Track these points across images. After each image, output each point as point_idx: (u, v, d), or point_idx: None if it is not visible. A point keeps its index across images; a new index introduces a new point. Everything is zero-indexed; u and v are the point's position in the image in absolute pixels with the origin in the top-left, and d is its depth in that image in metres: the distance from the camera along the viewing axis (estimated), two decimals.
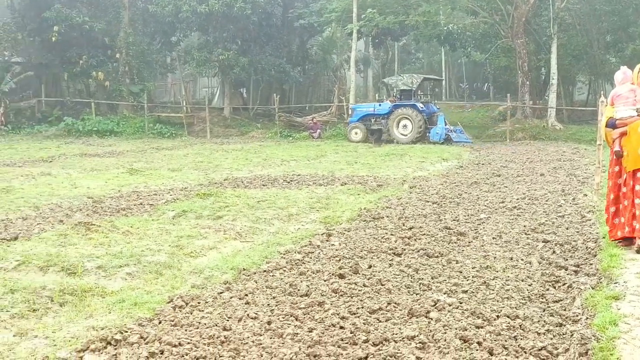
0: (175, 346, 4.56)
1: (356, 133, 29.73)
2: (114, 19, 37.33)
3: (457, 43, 38.19)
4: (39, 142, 28.36)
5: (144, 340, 4.69)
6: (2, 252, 7.43)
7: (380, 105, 30.40)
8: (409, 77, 30.83)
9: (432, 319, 5.18)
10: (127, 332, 4.83)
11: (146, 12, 37.08)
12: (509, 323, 5.12)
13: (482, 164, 18.86)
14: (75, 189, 13.09)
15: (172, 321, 5.10)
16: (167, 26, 37.71)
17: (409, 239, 8.28)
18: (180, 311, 5.37)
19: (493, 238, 8.44)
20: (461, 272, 6.66)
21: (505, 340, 4.79)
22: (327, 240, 8.27)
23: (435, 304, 5.53)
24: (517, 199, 11.62)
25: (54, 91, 38.60)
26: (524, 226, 9.17)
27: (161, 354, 4.46)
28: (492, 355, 4.55)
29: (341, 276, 6.49)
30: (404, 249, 7.69)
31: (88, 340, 4.69)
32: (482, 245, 8.00)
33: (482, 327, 5.03)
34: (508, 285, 6.20)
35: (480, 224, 9.38)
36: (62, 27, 34.53)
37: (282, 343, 4.64)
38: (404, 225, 9.20)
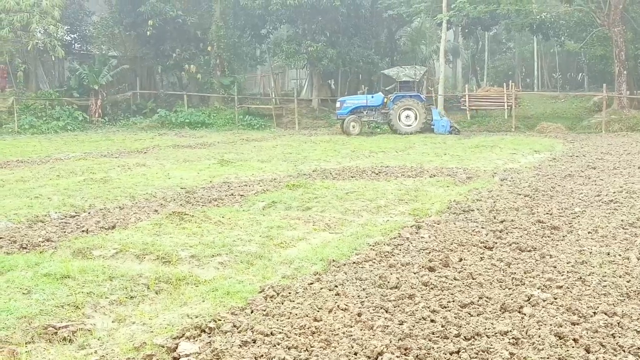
0: (267, 335, 4.62)
1: (354, 127, 28.96)
2: (206, 13, 38.13)
3: (550, 32, 37.11)
4: (134, 134, 29.33)
5: (237, 329, 4.78)
6: (101, 240, 7.72)
7: (372, 97, 29.94)
8: (411, 69, 30.59)
9: (525, 315, 5.06)
10: (220, 320, 4.93)
11: (237, 5, 37.67)
12: (606, 320, 4.94)
13: (576, 156, 18.28)
14: (168, 180, 13.47)
15: (264, 311, 5.17)
16: (257, 19, 38.23)
17: (500, 232, 8.12)
18: (272, 301, 5.44)
19: (588, 232, 8.16)
20: (555, 267, 6.48)
21: (603, 338, 4.63)
22: (416, 233, 8.20)
23: (529, 299, 5.40)
24: (614, 192, 11.19)
25: (148, 84, 39.82)
26: (622, 220, 8.83)
27: (254, 342, 4.52)
28: (588, 353, 4.40)
29: (431, 269, 6.43)
30: (496, 243, 7.54)
31: (183, 328, 4.81)
32: (577, 240, 7.75)
33: (578, 324, 4.87)
34: (605, 281, 5.98)
35: (574, 218, 9.09)
36: (156, 21, 35.54)
37: (373, 335, 4.63)
38: (495, 218, 9.02)
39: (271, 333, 4.65)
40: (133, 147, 22.40)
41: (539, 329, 4.74)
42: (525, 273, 6.26)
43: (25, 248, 7.58)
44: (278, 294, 5.60)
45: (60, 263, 6.66)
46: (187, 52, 37.39)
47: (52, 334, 4.84)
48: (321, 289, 5.76)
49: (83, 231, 8.47)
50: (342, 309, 5.18)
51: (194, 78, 37.97)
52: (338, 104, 30.29)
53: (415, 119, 28.71)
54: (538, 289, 5.72)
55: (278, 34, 41.62)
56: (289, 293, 5.63)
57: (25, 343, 4.70)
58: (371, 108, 29.46)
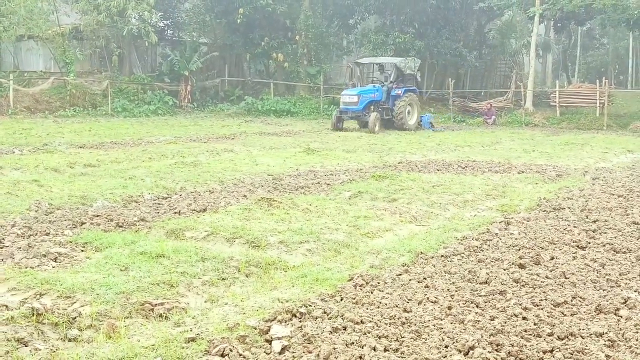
0: (357, 323, 4.65)
1: (377, 124, 25.37)
2: (295, 2, 38.37)
3: None
4: (221, 120, 29.87)
5: (327, 315, 4.83)
6: (192, 222, 7.93)
7: (377, 90, 26.33)
8: (412, 61, 27.97)
9: (621, 317, 4.92)
10: (310, 306, 4.98)
11: None
12: None
13: None
14: (256, 166, 13.68)
15: (354, 299, 5.20)
16: (345, 9, 38.27)
17: (593, 232, 7.90)
18: (361, 290, 5.47)
19: None
20: None
21: None
22: (505, 229, 8.07)
23: (626, 301, 5.23)
24: None
25: (236, 71, 40.43)
26: None
27: (344, 329, 4.56)
28: None
29: (522, 266, 6.32)
30: (589, 242, 7.34)
31: (275, 311, 4.89)
32: None
33: None
34: None
35: None
36: (246, 9, 35.98)
37: (464, 329, 4.60)
38: (587, 217, 8.78)
39: (361, 321, 4.68)
40: (221, 132, 22.81)
41: (637, 332, 4.61)
42: (620, 275, 6.08)
43: (122, 227, 7.85)
44: (367, 283, 5.63)
45: (155, 242, 6.89)
46: (275, 41, 37.75)
47: (148, 310, 5.01)
48: (410, 280, 5.75)
49: (175, 213, 8.70)
50: (431, 302, 5.16)
51: (281, 66, 38.35)
52: (354, 98, 25.61)
53: (415, 114, 26.90)
54: (635, 291, 5.55)
55: (366, 25, 41.52)
56: (378, 283, 5.65)
57: (124, 318, 4.88)
58: (377, 103, 26.26)
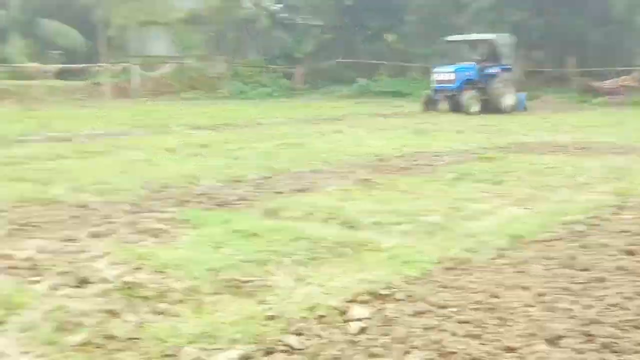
0: (440, 307, 4.52)
1: (474, 104, 23.93)
2: None
3: None
4: (333, 102, 30.02)
5: (410, 298, 4.72)
6: (290, 202, 7.98)
7: (472, 68, 25.05)
8: (508, 37, 25.95)
9: None
10: (394, 288, 4.89)
11: None
12: None
13: None
14: (360, 147, 13.63)
15: (440, 282, 5.06)
16: None
17: None
18: (449, 273, 5.31)
19: None
20: None
21: None
22: (617, 213, 7.62)
23: None
24: None
25: (348, 53, 40.45)
26: None
27: (425, 313, 4.45)
28: None
29: (630, 252, 5.92)
30: None
31: (357, 293, 4.82)
32: None
33: None
34: None
35: None
36: None
37: (554, 318, 4.37)
38: None
39: (444, 306, 4.54)
40: (331, 114, 22.92)
41: None
42: None
43: (221, 205, 8.01)
44: (456, 267, 5.47)
45: (251, 221, 6.97)
46: (387, 22, 37.46)
47: (236, 288, 5.05)
48: (503, 265, 5.54)
49: (275, 192, 8.79)
50: (523, 288, 4.93)
51: (393, 48, 38.03)
52: (451, 76, 24.56)
53: (511, 94, 25.18)
54: None
55: (480, 3, 40.33)
56: (469, 267, 5.47)
57: (212, 294, 4.95)
58: (471, 82, 24.87)
